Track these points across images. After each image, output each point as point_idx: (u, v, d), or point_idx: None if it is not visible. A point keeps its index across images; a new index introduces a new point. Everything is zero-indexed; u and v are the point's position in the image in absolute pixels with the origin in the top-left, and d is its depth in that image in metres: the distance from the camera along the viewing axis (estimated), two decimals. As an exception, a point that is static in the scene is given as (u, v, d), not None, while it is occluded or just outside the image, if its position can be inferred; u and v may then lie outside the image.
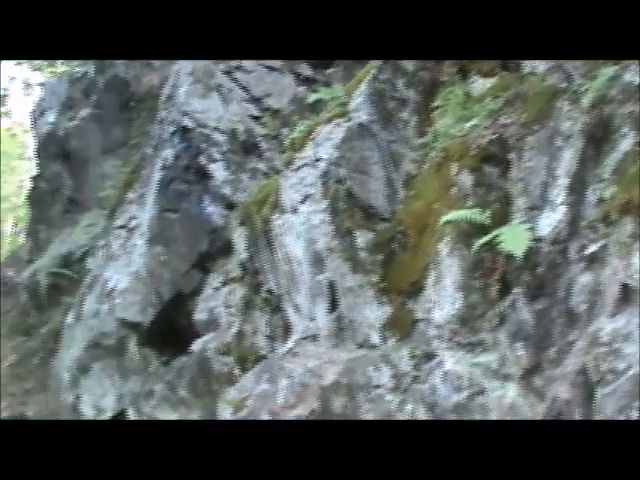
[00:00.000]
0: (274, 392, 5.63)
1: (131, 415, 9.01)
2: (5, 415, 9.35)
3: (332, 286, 5.73)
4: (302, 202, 6.03)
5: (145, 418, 8.86)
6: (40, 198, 14.51)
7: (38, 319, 12.52)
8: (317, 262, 5.84)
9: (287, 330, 6.85)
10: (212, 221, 7.94)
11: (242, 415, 5.82)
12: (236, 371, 7.10)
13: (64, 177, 13.73)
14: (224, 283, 7.77)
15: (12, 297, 15.09)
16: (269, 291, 6.95)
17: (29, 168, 26.67)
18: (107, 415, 9.22)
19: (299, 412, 5.22)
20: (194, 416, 7.80)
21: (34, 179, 15.32)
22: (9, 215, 29.29)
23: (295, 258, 6.08)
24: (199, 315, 7.84)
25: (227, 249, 7.71)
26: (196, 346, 7.61)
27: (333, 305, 5.74)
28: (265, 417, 5.48)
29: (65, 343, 10.56)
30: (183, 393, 7.80)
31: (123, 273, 8.69)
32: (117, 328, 8.97)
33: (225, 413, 6.39)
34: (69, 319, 10.79)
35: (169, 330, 8.33)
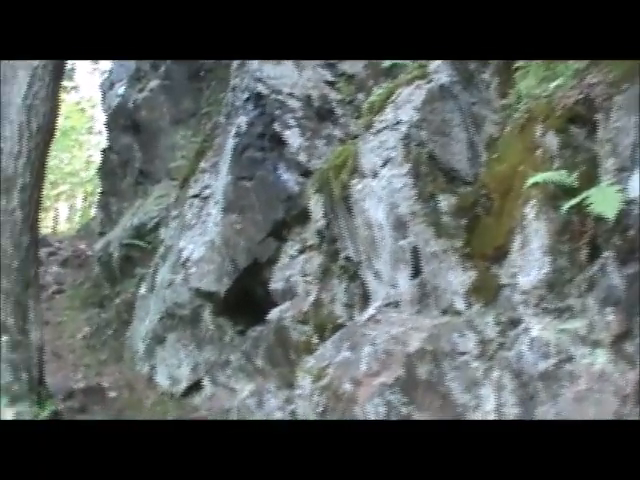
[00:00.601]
0: (356, 360, 5.63)
1: (206, 385, 9.16)
2: (81, 386, 9.57)
3: (415, 251, 5.69)
4: (383, 166, 5.99)
5: (221, 388, 9.00)
6: (111, 171, 14.80)
7: (111, 291, 12.78)
8: (399, 227, 5.80)
9: (365, 298, 6.84)
10: (288, 188, 7.95)
11: (323, 384, 5.84)
12: (314, 340, 7.13)
13: (134, 149, 13.96)
14: (301, 251, 7.81)
15: (84, 269, 15.46)
16: (347, 258, 6.94)
17: (98, 142, 27.13)
18: (182, 385, 9.38)
19: (383, 380, 5.21)
20: (271, 386, 7.89)
21: (104, 152, 15.60)
22: (79, 190, 29.89)
23: (376, 223, 6.05)
24: (275, 284, 7.89)
25: (303, 217, 7.72)
26: (273, 315, 7.67)
27: (416, 271, 5.71)
28: (347, 386, 5.51)
29: (139, 314, 10.76)
30: (260, 363, 7.88)
31: (198, 242, 8.80)
32: (191, 298, 9.10)
33: (304, 382, 6.43)
34: (142, 290, 10.99)
35: (244, 299, 8.42)
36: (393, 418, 5.12)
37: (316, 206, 7.33)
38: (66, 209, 32.46)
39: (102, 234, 14.47)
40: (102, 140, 21.26)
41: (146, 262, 11.50)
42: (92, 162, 28.54)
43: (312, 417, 5.97)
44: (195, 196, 9.31)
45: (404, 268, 5.81)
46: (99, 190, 16.40)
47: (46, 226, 28.83)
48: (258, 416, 7.93)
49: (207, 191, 9.08)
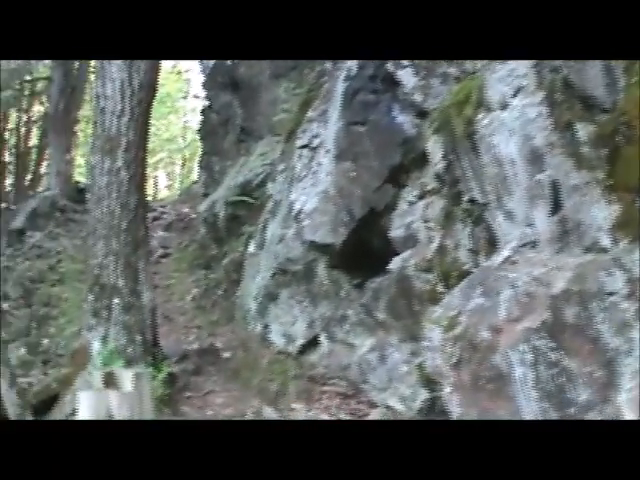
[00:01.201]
0: (492, 306, 5.35)
1: (323, 342, 9.00)
2: (195, 347, 9.55)
3: (554, 186, 5.36)
4: (514, 96, 5.64)
5: (339, 344, 8.83)
6: (212, 130, 14.74)
7: (219, 251, 12.74)
8: (535, 160, 5.46)
9: (491, 242, 6.55)
10: (404, 131, 7.66)
11: (456, 333, 5.58)
12: (439, 288, 6.87)
13: (235, 106, 13.85)
14: (420, 196, 7.52)
15: (189, 232, 15.51)
16: (471, 201, 6.64)
17: (194, 107, 27.27)
18: (298, 343, 9.25)
19: (527, 325, 4.92)
20: (394, 339, 7.67)
21: (204, 112, 15.58)
22: (177, 156, 30.21)
23: (507, 159, 5.72)
24: (395, 232, 7.63)
25: (421, 160, 7.43)
26: (394, 265, 7.43)
27: (555, 207, 5.37)
28: (485, 333, 5.23)
29: (249, 272, 10.66)
30: (381, 316, 7.66)
31: (310, 194, 8.59)
32: (305, 252, 8.93)
33: (432, 334, 6.18)
34: (252, 248, 10.88)
35: (361, 250, 8.18)
36: (541, 365, 4.83)
37: (435, 147, 7.04)
38: (165, 177, 32.90)
39: (206, 195, 14.45)
40: (198, 104, 21.33)
41: (253, 219, 11.38)
42: (189, 127, 28.77)
43: (445, 369, 5.73)
44: (304, 147, 9.07)
45: (542, 205, 5.48)
46: (200, 151, 16.37)
47: (147, 194, 29.28)
48: (381, 371, 7.73)
49: (316, 140, 8.85)
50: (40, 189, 19.47)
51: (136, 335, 8.04)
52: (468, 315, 5.61)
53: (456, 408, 5.59)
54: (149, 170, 31.54)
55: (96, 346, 7.95)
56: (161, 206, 18.98)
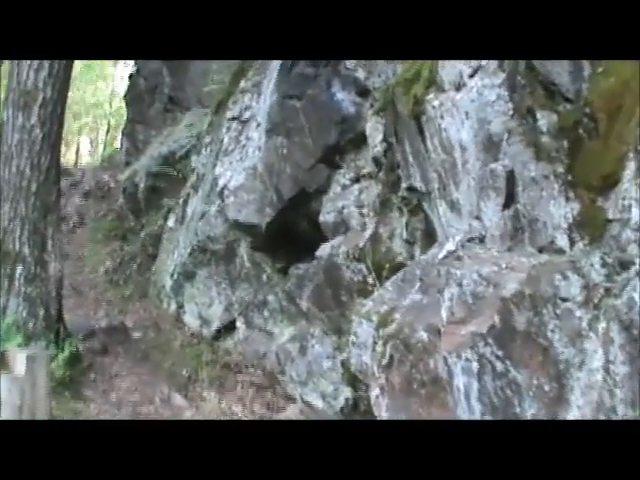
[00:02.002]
0: (432, 304, 4.72)
1: (240, 327, 8.33)
2: (103, 325, 8.72)
3: (509, 177, 4.74)
4: (471, 76, 5.02)
5: (256, 331, 8.17)
6: (138, 97, 13.78)
7: (136, 223, 11.92)
8: (490, 147, 4.82)
9: (430, 234, 5.97)
10: (342, 109, 6.96)
11: (389, 331, 4.96)
12: (370, 280, 6.25)
13: (164, 74, 13.03)
14: (355, 180, 6.87)
15: (107, 201, 14.57)
16: (410, 188, 6.00)
17: (122, 75, 26.12)
18: (214, 326, 8.55)
19: (473, 329, 4.30)
20: (316, 330, 7.04)
21: (131, 77, 14.66)
22: (102, 122, 28.91)
23: (457, 144, 5.08)
24: (326, 216, 6.96)
25: (359, 141, 6.77)
26: (322, 251, 6.77)
27: (509, 200, 4.77)
28: (423, 334, 4.61)
29: (166, 248, 9.90)
30: (304, 304, 7.00)
31: (236, 169, 7.84)
32: (227, 231, 8.21)
33: (360, 329, 5.57)
34: (171, 222, 10.11)
35: (288, 234, 7.50)
36: (486, 375, 4.22)
37: (375, 129, 6.40)
38: (88, 143, 31.59)
39: (128, 164, 13.56)
40: (127, 71, 20.27)
41: (175, 193, 10.58)
42: (117, 95, 27.60)
43: (374, 369, 5.11)
44: (233, 119, 8.30)
45: (493, 197, 4.85)
46: (125, 118, 15.39)
47: (68, 159, 28.04)
48: (300, 363, 7.10)
49: (247, 113, 8.08)
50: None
51: (39, 308, 7.21)
52: (403, 312, 4.97)
53: (383, 411, 4.97)
54: (72, 135, 30.33)
55: (-7, 319, 7.11)
56: (81, 172, 17.96)
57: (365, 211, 6.57)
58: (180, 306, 9.10)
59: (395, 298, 5.32)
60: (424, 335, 4.62)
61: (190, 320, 8.90)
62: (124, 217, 12.66)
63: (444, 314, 4.56)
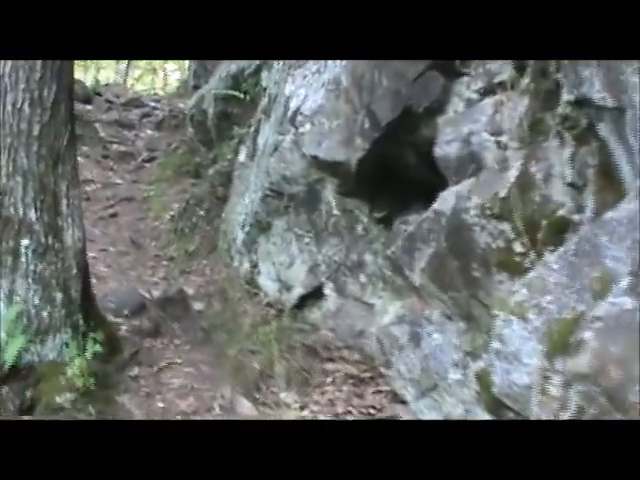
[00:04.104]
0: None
1: (329, 295, 6.12)
2: (157, 294, 6.62)
3: None
4: None
5: (350, 301, 5.95)
6: (204, 6, 11.50)
7: (206, 157, 9.77)
8: None
9: (607, 175, 3.64)
10: None
11: (576, 368, 2.70)
12: (519, 247, 3.92)
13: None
14: (487, 91, 4.41)
15: (181, 132, 12.47)
16: (578, 102, 3.66)
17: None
18: (296, 293, 6.38)
19: None
20: (434, 313, 4.75)
21: (198, -14, 12.33)
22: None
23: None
24: (444, 147, 4.53)
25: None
26: (443, 203, 4.38)
27: None
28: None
29: (237, 189, 7.71)
30: (417, 278, 4.65)
31: (312, 86, 5.50)
32: (306, 169, 5.93)
33: (510, 331, 3.34)
34: (242, 157, 7.89)
35: (388, 173, 5.16)
36: None
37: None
38: (177, 70, 29.54)
39: (196, 88, 11.33)
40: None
41: (246, 119, 8.34)
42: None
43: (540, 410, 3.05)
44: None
45: None
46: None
47: (152, 87, 26.13)
48: (413, 356, 4.85)
49: (325, 6, 5.70)
50: None
51: (55, 291, 5.13)
52: (599, 328, 2.70)
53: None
54: (157, 61, 28.30)
55: (-1, 307, 5.10)
56: (154, 100, 15.87)
57: (505, 140, 4.16)
58: (254, 265, 6.94)
59: (570, 285, 3.06)
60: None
61: (266, 283, 6.73)
62: (195, 150, 10.53)
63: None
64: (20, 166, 5.05)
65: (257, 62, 8.33)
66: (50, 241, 5.13)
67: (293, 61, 5.90)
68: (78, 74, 23.61)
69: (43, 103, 5.06)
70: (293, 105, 5.62)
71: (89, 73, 24.46)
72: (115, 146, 12.49)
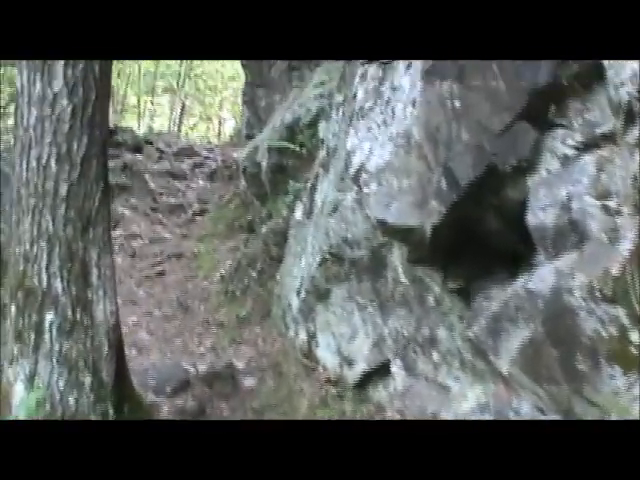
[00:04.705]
0: None
1: (397, 373, 5.42)
2: (204, 368, 5.99)
3: None
4: None
5: (422, 381, 5.24)
6: (257, 54, 10.96)
7: (259, 212, 9.20)
8: None
9: None
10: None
11: None
12: (638, 337, 3.20)
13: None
14: (588, 145, 3.73)
15: (235, 183, 11.96)
16: None
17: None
18: (358, 369, 5.69)
19: None
20: (523, 404, 4.04)
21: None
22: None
23: None
24: (538, 214, 3.82)
25: (590, 75, 3.69)
26: (539, 281, 3.69)
27: None
28: None
29: (293, 249, 7.09)
30: (504, 365, 3.92)
31: (378, 139, 4.87)
32: (370, 232, 5.29)
33: None
34: (298, 214, 7.29)
35: (467, 239, 4.49)
36: None
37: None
38: (232, 119, 29.38)
39: (249, 137, 10.83)
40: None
41: (304, 173, 7.75)
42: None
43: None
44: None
45: None
46: (244, 81, 12.52)
47: (206, 136, 25.92)
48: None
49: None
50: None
51: (83, 375, 4.53)
52: None
53: None
54: (213, 110, 28.19)
55: (19, 390, 4.51)
56: (207, 150, 15.42)
57: (613, 204, 3.46)
58: (311, 336, 6.28)
59: None
60: None
61: (325, 356, 6.06)
62: (248, 203, 9.98)
63: None
64: (45, 230, 4.53)
65: (314, 112, 7.77)
66: (78, 316, 4.59)
67: (355, 112, 5.27)
68: (131, 121, 23.46)
69: (72, 159, 4.54)
70: (356, 161, 4.99)
71: (142, 120, 24.35)
72: (165, 198, 12.02)
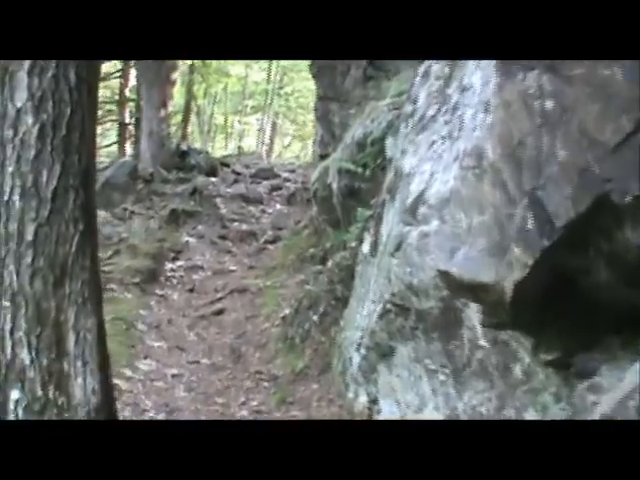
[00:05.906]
0: None
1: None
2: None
3: None
4: None
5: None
6: (327, 65, 9.73)
7: (332, 241, 8.02)
8: None
9: None
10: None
11: None
12: None
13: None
14: None
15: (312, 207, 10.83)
16: None
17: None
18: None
19: None
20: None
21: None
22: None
23: None
24: None
25: None
26: None
27: None
28: None
29: (357, 292, 5.86)
30: None
31: (443, 159, 3.61)
32: (438, 282, 4.02)
33: None
34: (365, 247, 6.05)
35: (567, 294, 3.16)
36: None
37: None
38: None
39: (323, 157, 9.67)
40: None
41: (373, 197, 6.52)
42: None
43: None
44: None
45: None
46: (315, 94, 11.30)
47: (299, 155, 25.00)
48: None
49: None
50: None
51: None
52: None
53: None
54: (307, 128, 27.13)
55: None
56: (288, 170, 14.35)
57: None
58: (373, 400, 5.04)
59: None
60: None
61: (390, 428, 4.82)
62: (321, 232, 8.84)
63: None
64: (8, 286, 3.46)
65: (383, 125, 6.54)
66: (50, 394, 3.51)
67: (415, 122, 4.03)
68: (218, 142, 22.73)
69: (40, 193, 3.45)
70: (414, 188, 3.73)
71: (230, 140, 23.63)
72: (236, 224, 10.97)
